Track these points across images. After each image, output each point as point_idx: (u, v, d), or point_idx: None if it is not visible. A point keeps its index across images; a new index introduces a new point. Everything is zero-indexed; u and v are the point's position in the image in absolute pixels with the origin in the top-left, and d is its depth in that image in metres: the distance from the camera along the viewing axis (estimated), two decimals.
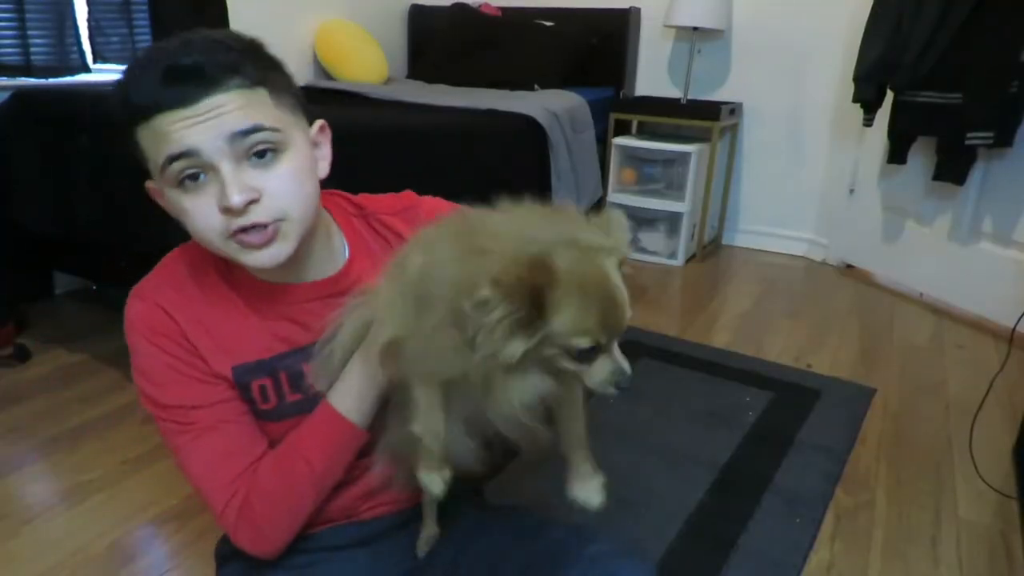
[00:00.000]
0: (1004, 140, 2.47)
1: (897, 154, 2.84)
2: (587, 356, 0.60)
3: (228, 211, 0.72)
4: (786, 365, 2.32)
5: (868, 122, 2.87)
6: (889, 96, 2.74)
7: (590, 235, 0.62)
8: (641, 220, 3.50)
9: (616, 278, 0.61)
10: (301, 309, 0.85)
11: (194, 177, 0.73)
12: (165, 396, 0.83)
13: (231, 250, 0.76)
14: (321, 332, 0.80)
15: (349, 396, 0.81)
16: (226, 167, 0.72)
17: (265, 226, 0.74)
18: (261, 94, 0.74)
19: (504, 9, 3.86)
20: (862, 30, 2.76)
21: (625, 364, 0.61)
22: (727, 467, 1.74)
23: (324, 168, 0.84)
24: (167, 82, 0.70)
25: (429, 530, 0.96)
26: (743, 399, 2.08)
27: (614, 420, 1.94)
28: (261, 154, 0.74)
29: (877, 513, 1.61)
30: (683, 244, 3.36)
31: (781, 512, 1.58)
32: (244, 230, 0.74)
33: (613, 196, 3.46)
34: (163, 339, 0.82)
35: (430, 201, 0.97)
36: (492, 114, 2.87)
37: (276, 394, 0.87)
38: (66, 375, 2.09)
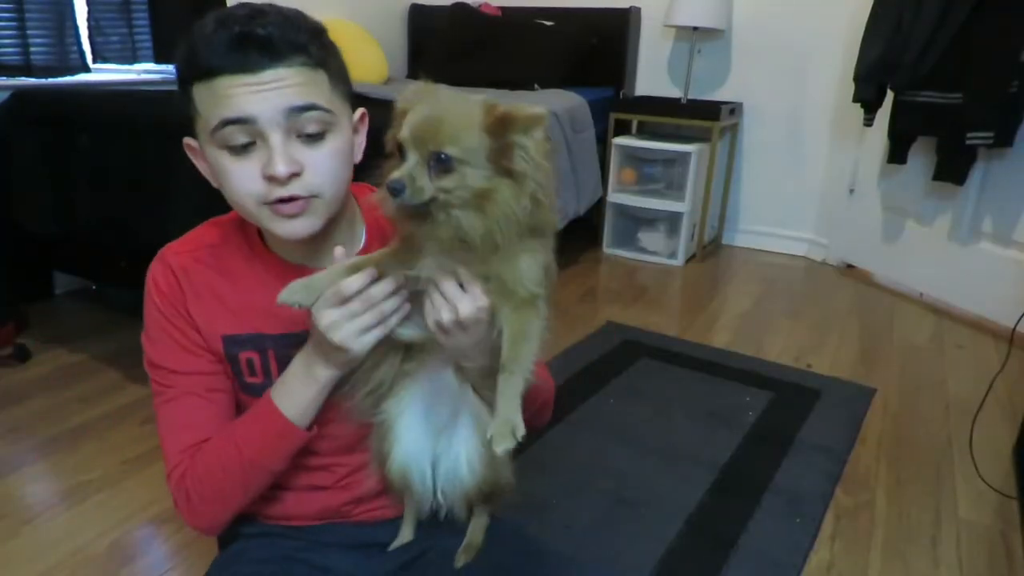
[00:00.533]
0: (1004, 140, 2.47)
1: (897, 154, 2.84)
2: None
3: (271, 179, 0.75)
4: (786, 365, 2.32)
5: (868, 122, 2.87)
6: (889, 96, 2.75)
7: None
8: (641, 220, 3.50)
9: (443, 106, 0.69)
10: None
11: (245, 147, 0.75)
12: (154, 354, 0.88)
13: (263, 216, 0.78)
14: None
15: (287, 393, 0.83)
16: (277, 138, 0.74)
17: (299, 199, 0.76)
18: (320, 75, 0.76)
19: (504, 9, 3.86)
20: (862, 30, 2.76)
21: (395, 172, 0.66)
22: (727, 467, 1.74)
23: (359, 155, 0.87)
24: (236, 47, 0.71)
25: (404, 536, 0.96)
26: (743, 399, 2.08)
27: (614, 420, 1.94)
28: (311, 135, 0.76)
29: (877, 513, 1.61)
30: (683, 244, 3.36)
31: (781, 512, 1.58)
32: (281, 201, 0.76)
33: (613, 196, 3.46)
34: (165, 301, 0.86)
35: None
36: None
37: (263, 370, 0.88)
38: (66, 375, 2.09)
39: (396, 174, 0.67)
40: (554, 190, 0.72)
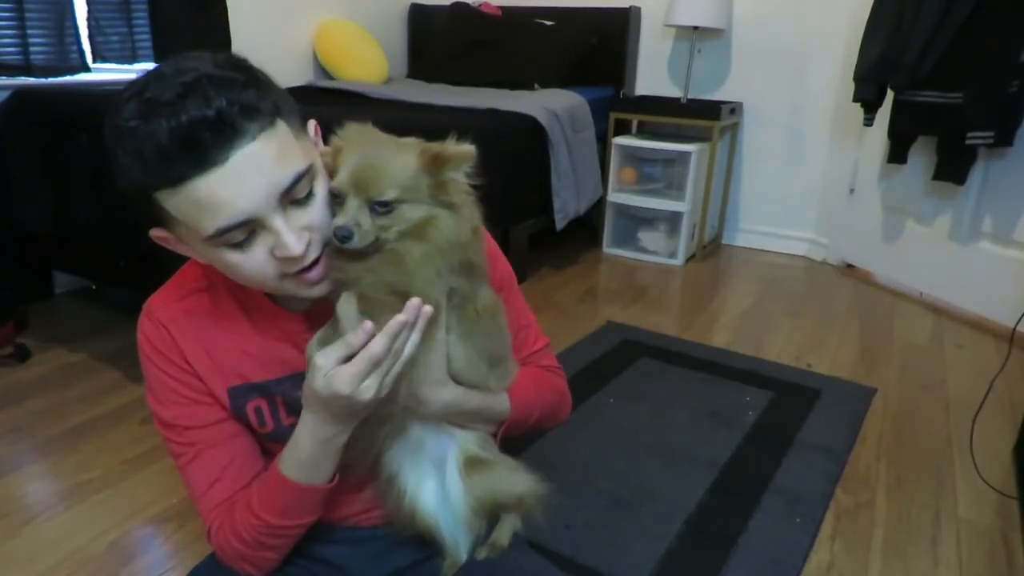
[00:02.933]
0: (1004, 140, 2.47)
1: (897, 154, 2.84)
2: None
3: (289, 260, 0.72)
4: (786, 365, 2.32)
5: (868, 122, 2.87)
6: (889, 96, 2.74)
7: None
8: (641, 220, 3.50)
9: (377, 151, 0.72)
10: (305, 336, 0.84)
11: (247, 242, 0.71)
12: (164, 413, 0.85)
13: (287, 287, 0.76)
14: None
15: (294, 461, 0.79)
16: (279, 221, 0.70)
17: (318, 260, 0.74)
18: (281, 128, 0.70)
19: (504, 9, 3.86)
20: (862, 30, 2.76)
21: (340, 219, 0.70)
22: (727, 467, 1.74)
23: None
24: (189, 146, 0.64)
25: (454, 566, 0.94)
26: (743, 399, 2.08)
27: (614, 420, 1.94)
28: (299, 201, 0.72)
29: (877, 513, 1.61)
30: (683, 244, 3.36)
31: (781, 512, 1.58)
32: (304, 269, 0.74)
33: (613, 195, 3.46)
34: (164, 359, 0.84)
35: None
36: (492, 114, 2.87)
37: (272, 417, 0.87)
38: (66, 375, 2.09)
39: (341, 220, 0.69)
40: (480, 222, 0.77)
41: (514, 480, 0.89)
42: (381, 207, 0.70)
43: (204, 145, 0.64)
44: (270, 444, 0.90)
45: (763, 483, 1.68)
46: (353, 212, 0.69)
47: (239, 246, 0.71)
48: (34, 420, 1.86)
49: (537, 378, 0.99)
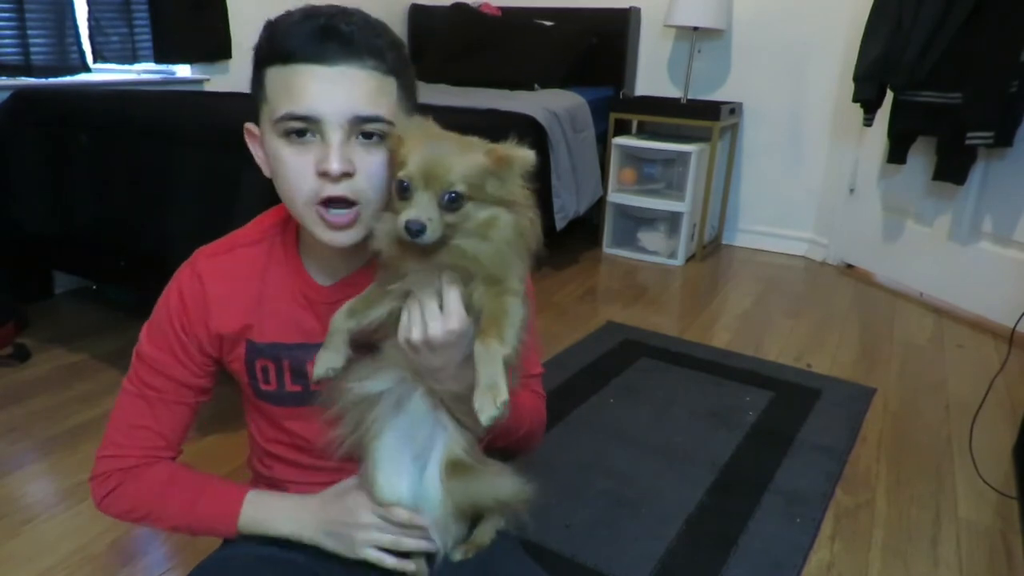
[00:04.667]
0: (1004, 140, 2.47)
1: (897, 154, 2.84)
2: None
3: (324, 175, 0.75)
4: (786, 365, 2.32)
5: (868, 122, 2.87)
6: (889, 96, 2.75)
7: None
8: (641, 220, 3.50)
9: (447, 145, 0.73)
10: (327, 309, 0.86)
11: (302, 133, 0.76)
12: (149, 350, 0.89)
13: (310, 217, 0.79)
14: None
15: (262, 512, 0.90)
16: (337, 137, 0.75)
17: (349, 205, 0.77)
18: (391, 83, 0.78)
19: (504, 9, 3.86)
20: (862, 30, 2.76)
21: (412, 212, 0.69)
22: (727, 467, 1.74)
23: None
24: (317, 37, 0.73)
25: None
26: (743, 399, 2.08)
27: (614, 420, 1.94)
28: (369, 135, 0.77)
29: (877, 513, 1.61)
30: (683, 244, 3.36)
31: (781, 512, 1.58)
32: (331, 201, 0.77)
33: (613, 196, 3.46)
34: (182, 311, 0.88)
35: None
36: (492, 114, 2.87)
37: (277, 379, 0.90)
38: (66, 375, 2.09)
39: (412, 214, 0.69)
40: (539, 217, 0.78)
41: (497, 485, 0.88)
42: (451, 202, 0.70)
43: (325, 44, 0.73)
44: (266, 404, 0.92)
45: (763, 483, 1.68)
46: (424, 205, 0.69)
47: (295, 140, 0.76)
48: (34, 420, 1.86)
49: (530, 399, 1.00)
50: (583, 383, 2.14)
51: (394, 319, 0.77)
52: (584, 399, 2.04)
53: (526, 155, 0.73)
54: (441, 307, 0.73)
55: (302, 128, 0.75)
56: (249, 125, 0.84)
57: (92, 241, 2.09)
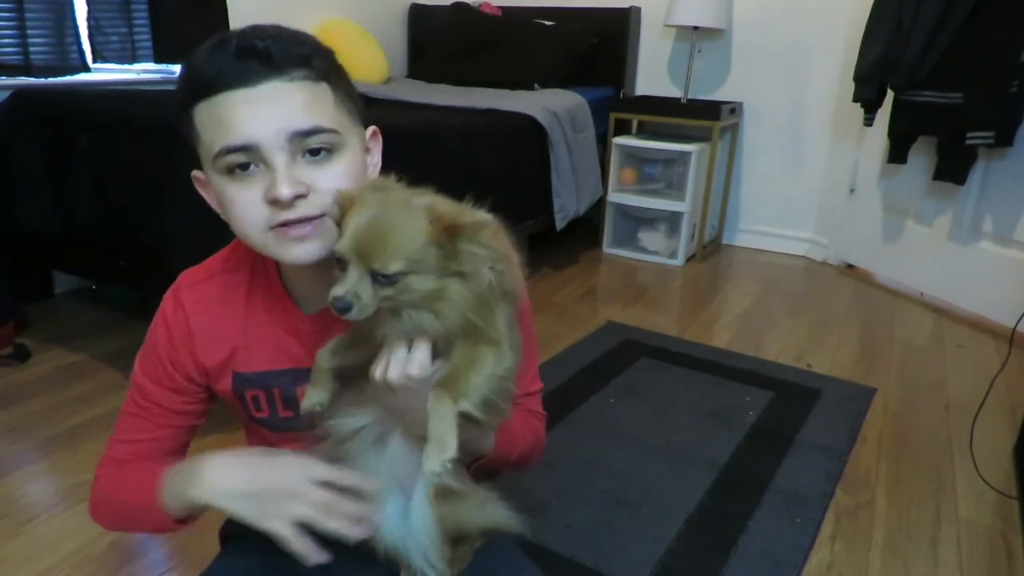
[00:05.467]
0: (1004, 140, 2.47)
1: (897, 154, 2.84)
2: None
3: (275, 203, 0.72)
4: (786, 365, 2.32)
5: (868, 122, 2.87)
6: (889, 96, 2.74)
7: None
8: (641, 220, 3.50)
9: (384, 216, 0.67)
10: (312, 338, 0.85)
11: (244, 167, 0.72)
12: (142, 378, 0.90)
13: (268, 243, 0.75)
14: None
15: (174, 483, 0.81)
16: (280, 161, 0.71)
17: (309, 220, 0.74)
18: (323, 89, 0.74)
19: (504, 9, 3.86)
20: (862, 30, 2.76)
21: (339, 289, 0.66)
22: (727, 467, 1.74)
23: (373, 175, 0.85)
24: (234, 59, 0.70)
25: None
26: (743, 399, 2.08)
27: (614, 420, 1.94)
28: (315, 151, 0.74)
29: (877, 513, 1.61)
30: (683, 244, 3.36)
31: (781, 512, 1.58)
32: (287, 224, 0.73)
33: (613, 196, 3.46)
34: (169, 342, 0.87)
35: None
36: (492, 114, 2.87)
37: (268, 406, 0.90)
38: (66, 375, 2.09)
39: (339, 290, 0.65)
40: (517, 263, 0.72)
41: (482, 515, 0.87)
42: (385, 279, 0.65)
43: (245, 64, 0.70)
44: (263, 430, 0.92)
45: (763, 483, 1.68)
46: (353, 282, 0.65)
47: (239, 175, 0.73)
48: (34, 420, 1.86)
49: (523, 421, 0.97)
50: (583, 383, 2.14)
51: (372, 361, 0.74)
52: (584, 399, 2.04)
53: (478, 220, 0.66)
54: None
55: (244, 161, 0.72)
56: (196, 173, 0.80)
57: (92, 241, 2.08)
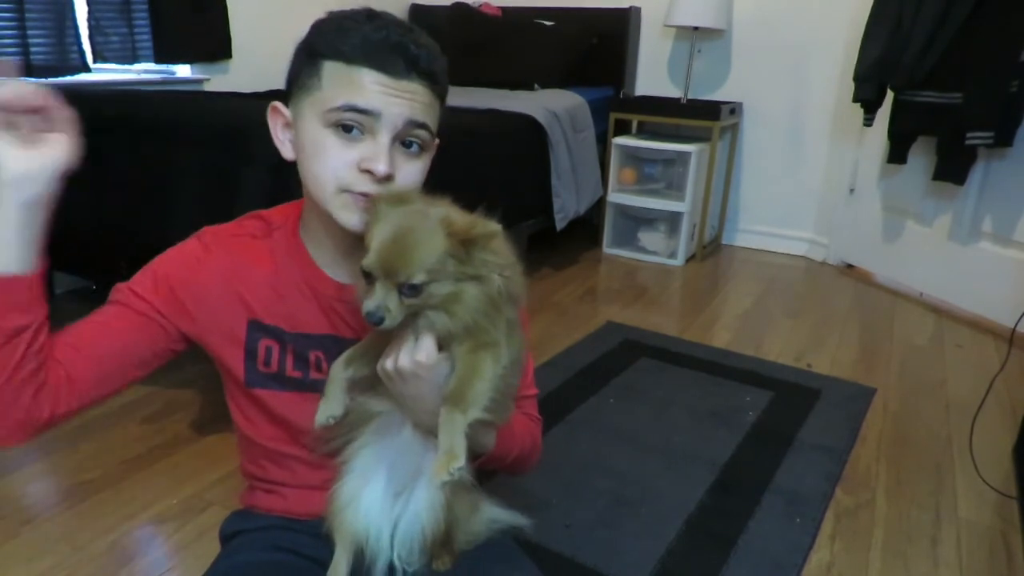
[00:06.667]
0: (1004, 140, 2.47)
1: (897, 154, 2.84)
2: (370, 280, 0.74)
3: (368, 172, 0.78)
4: (786, 365, 2.33)
5: (868, 122, 2.87)
6: (889, 96, 2.75)
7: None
8: (641, 220, 3.51)
9: (406, 233, 0.73)
10: (334, 305, 0.90)
11: (349, 128, 0.78)
12: (124, 285, 0.95)
13: (337, 201, 0.80)
14: (340, 330, 0.89)
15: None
16: (386, 138, 0.79)
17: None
18: (437, 103, 0.84)
19: (504, 9, 3.87)
20: (862, 30, 2.76)
21: (370, 303, 0.72)
22: (727, 467, 1.74)
23: (422, 179, 0.90)
24: (390, 51, 0.77)
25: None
26: (743, 399, 2.08)
27: (614, 420, 1.94)
28: (409, 144, 0.82)
29: (877, 513, 1.61)
30: (683, 244, 3.36)
31: (781, 512, 1.58)
32: (364, 194, 0.79)
33: (613, 196, 3.46)
34: (178, 273, 0.89)
35: None
36: (492, 114, 2.87)
37: (279, 361, 0.90)
38: None
39: (371, 305, 0.72)
40: (520, 271, 0.79)
41: (472, 520, 0.90)
42: (411, 291, 0.72)
43: (396, 59, 0.78)
44: (258, 390, 0.91)
45: (763, 483, 1.68)
46: (382, 297, 0.72)
47: (342, 136, 0.79)
48: None
49: (521, 422, 0.99)
50: (583, 383, 2.14)
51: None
52: (584, 399, 2.04)
53: (489, 231, 0.73)
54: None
55: (351, 123, 0.78)
56: (277, 104, 0.85)
57: (92, 241, 2.08)
